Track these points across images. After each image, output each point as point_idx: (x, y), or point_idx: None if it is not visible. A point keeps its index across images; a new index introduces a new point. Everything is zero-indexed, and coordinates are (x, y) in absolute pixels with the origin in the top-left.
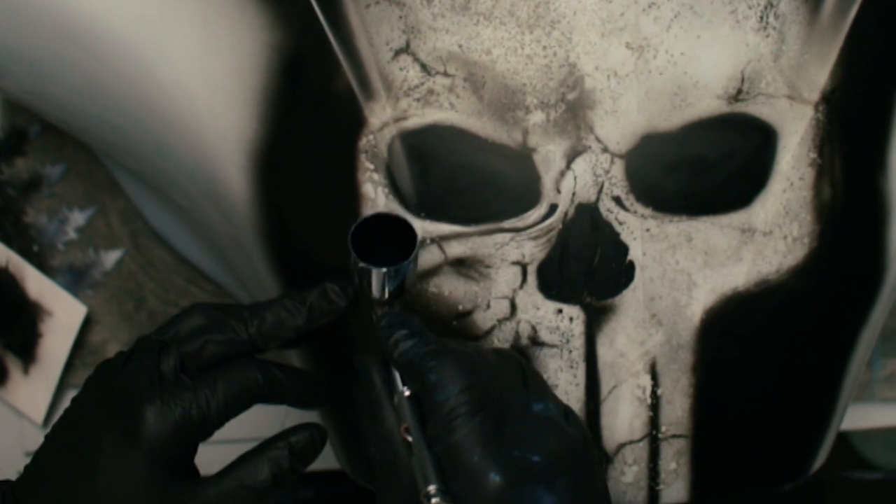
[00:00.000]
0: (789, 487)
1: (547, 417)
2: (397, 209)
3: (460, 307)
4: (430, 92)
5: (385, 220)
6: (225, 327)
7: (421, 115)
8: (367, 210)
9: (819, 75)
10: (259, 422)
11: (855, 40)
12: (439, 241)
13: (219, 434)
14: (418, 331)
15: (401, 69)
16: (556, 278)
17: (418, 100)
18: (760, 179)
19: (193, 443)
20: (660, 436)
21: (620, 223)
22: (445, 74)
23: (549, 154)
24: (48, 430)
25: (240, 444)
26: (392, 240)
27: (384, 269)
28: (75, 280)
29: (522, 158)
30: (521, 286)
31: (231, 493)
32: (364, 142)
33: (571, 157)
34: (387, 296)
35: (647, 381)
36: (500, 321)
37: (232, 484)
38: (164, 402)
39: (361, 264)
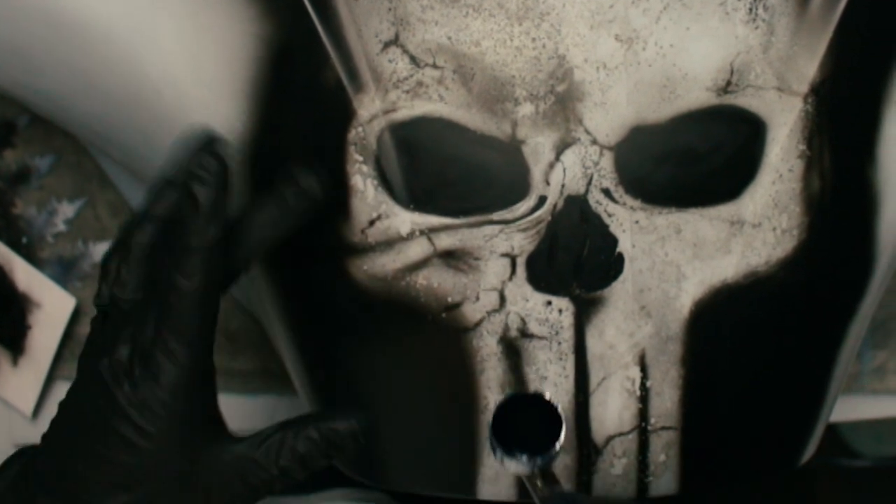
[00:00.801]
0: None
1: None
2: (387, 202)
3: (449, 299)
4: (420, 84)
5: (523, 400)
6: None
7: (410, 107)
8: (357, 202)
9: (808, 67)
10: (247, 413)
11: (844, 32)
12: (428, 232)
13: None
14: None
15: (390, 61)
16: (545, 270)
17: (407, 92)
18: (749, 171)
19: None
20: (649, 428)
21: (609, 215)
22: (434, 66)
23: (538, 146)
24: (37, 421)
25: None
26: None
27: (536, 462)
28: (64, 272)
29: (511, 150)
30: (511, 278)
31: (256, 463)
32: (353, 134)
33: (560, 149)
34: (538, 471)
35: (636, 372)
36: (489, 313)
37: (257, 452)
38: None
39: (506, 461)
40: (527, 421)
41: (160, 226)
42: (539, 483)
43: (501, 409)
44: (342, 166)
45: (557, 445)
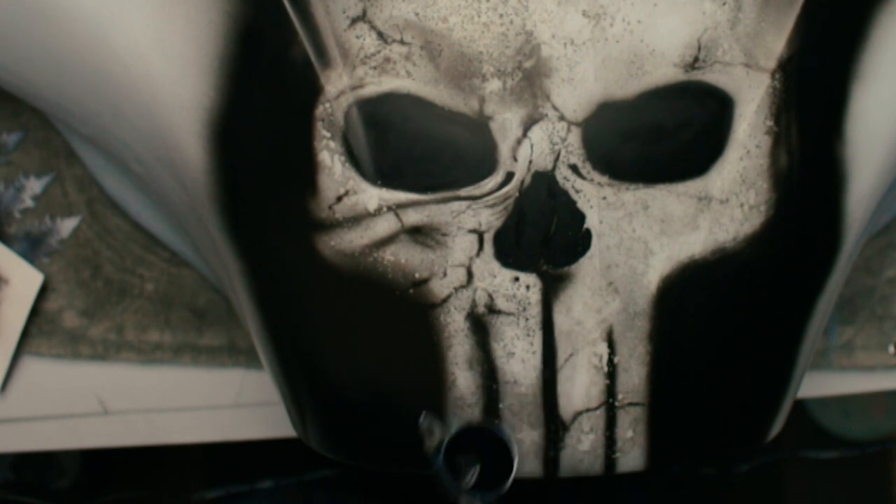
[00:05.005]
0: (746, 468)
1: None
2: (355, 178)
3: (417, 275)
4: (387, 60)
5: (475, 433)
6: None
7: (377, 83)
8: (324, 178)
9: (775, 43)
10: (214, 388)
11: (811, 8)
12: (396, 208)
13: (174, 402)
14: None
15: (357, 37)
16: (512, 246)
17: (375, 68)
18: (717, 147)
19: None
20: (616, 404)
21: (577, 191)
22: (402, 42)
23: (505, 122)
24: (6, 396)
25: (199, 412)
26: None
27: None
28: (32, 248)
29: (479, 126)
30: (478, 254)
31: None
32: (321, 110)
33: (528, 125)
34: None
35: (603, 349)
36: (456, 289)
37: None
38: None
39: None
40: (478, 449)
41: None
42: None
43: (457, 437)
44: (309, 142)
45: (507, 484)
